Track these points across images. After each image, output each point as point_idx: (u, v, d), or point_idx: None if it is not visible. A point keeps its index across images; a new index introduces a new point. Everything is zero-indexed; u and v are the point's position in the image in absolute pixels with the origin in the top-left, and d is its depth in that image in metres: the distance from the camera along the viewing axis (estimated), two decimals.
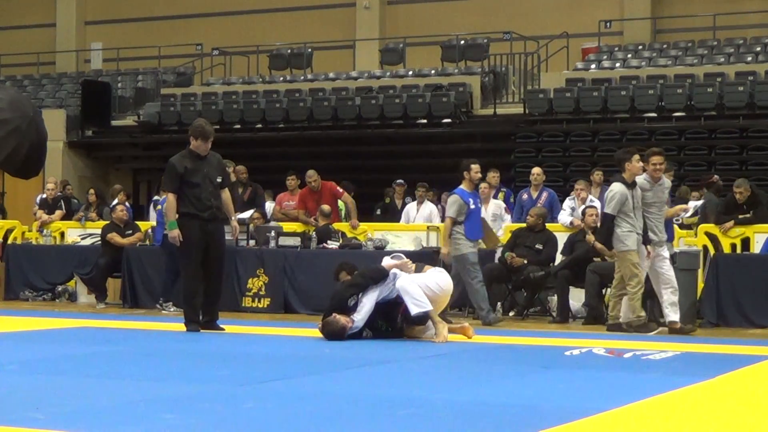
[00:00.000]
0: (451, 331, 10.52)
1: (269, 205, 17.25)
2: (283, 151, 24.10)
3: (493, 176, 16.54)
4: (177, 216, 11.15)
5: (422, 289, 10.31)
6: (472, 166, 13.04)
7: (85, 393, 6.80)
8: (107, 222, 16.54)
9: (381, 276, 10.45)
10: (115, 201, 17.35)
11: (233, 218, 11.66)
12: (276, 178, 19.34)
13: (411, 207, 16.88)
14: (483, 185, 15.99)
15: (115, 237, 15.80)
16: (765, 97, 20.61)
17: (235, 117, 24.63)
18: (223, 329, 11.27)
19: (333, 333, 10.25)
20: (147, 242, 16.01)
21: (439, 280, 10.59)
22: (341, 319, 10.25)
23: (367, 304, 10.31)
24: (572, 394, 7.03)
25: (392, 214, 17.79)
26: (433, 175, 21.10)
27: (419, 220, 16.40)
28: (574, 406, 6.43)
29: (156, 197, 19.69)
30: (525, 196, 15.82)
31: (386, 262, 10.64)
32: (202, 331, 11.15)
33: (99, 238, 16.38)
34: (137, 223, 16.78)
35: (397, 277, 10.45)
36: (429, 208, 16.70)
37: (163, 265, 14.47)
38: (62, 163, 25.57)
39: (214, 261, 11.30)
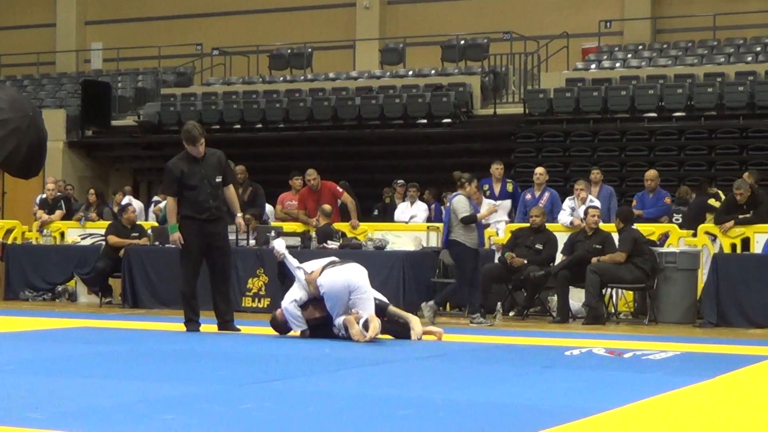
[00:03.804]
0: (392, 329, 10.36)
1: (269, 206, 17.22)
2: (283, 151, 24.10)
3: (497, 168, 16.51)
4: (178, 218, 11.16)
5: (302, 293, 10.32)
6: None
7: (85, 393, 6.80)
8: (110, 221, 16.50)
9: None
10: (126, 200, 17.25)
11: (238, 215, 11.58)
12: (276, 178, 19.34)
13: (402, 207, 16.73)
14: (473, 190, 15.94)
15: (113, 238, 15.75)
16: (765, 97, 20.61)
17: (235, 117, 24.64)
18: (239, 329, 11.27)
19: (273, 323, 10.66)
20: (147, 242, 16.00)
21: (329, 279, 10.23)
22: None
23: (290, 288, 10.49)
24: (572, 394, 7.03)
25: (392, 214, 17.77)
26: (433, 175, 21.13)
27: (409, 221, 16.30)
28: (574, 406, 6.42)
29: (156, 197, 19.71)
30: (528, 197, 15.77)
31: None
32: (218, 331, 11.18)
33: (99, 238, 16.34)
34: (140, 223, 16.77)
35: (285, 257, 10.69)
36: (420, 207, 16.59)
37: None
38: (62, 163, 25.57)
39: (217, 261, 11.29)
